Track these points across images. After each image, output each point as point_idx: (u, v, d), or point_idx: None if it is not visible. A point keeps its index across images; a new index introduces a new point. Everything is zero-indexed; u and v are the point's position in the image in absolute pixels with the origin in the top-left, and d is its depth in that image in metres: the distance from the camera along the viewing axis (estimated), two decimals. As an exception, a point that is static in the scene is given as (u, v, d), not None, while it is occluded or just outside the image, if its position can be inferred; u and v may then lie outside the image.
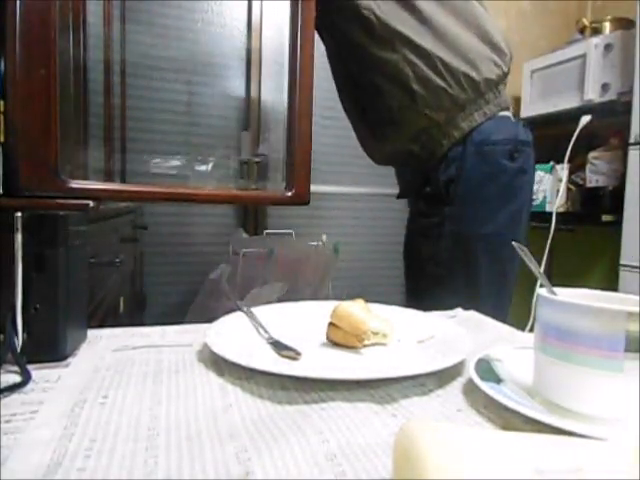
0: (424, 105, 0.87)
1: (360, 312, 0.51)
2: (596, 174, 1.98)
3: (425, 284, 0.96)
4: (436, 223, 0.91)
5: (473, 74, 0.87)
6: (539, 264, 0.40)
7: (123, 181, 1.96)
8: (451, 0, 0.88)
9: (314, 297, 1.99)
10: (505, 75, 0.92)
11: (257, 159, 1.92)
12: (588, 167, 2.01)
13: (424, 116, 0.87)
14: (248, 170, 1.91)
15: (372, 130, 0.99)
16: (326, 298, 2.14)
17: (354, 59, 0.94)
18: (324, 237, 2.25)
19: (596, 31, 2.09)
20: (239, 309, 0.59)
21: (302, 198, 0.65)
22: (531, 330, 0.40)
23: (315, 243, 2.17)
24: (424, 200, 0.95)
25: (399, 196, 1.11)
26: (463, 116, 0.87)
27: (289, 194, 0.65)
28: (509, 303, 0.97)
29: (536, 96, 2.16)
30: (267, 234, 2.29)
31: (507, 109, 0.94)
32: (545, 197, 2.07)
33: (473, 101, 0.87)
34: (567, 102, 2.02)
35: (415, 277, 1.02)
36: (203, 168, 1.40)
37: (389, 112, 0.90)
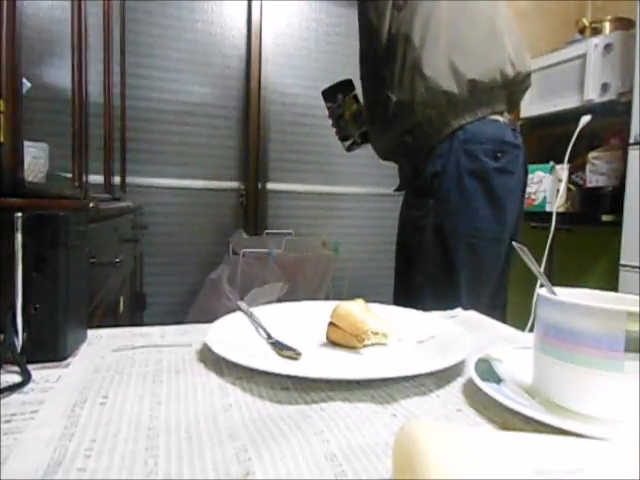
0: (422, 102, 0.91)
1: (360, 312, 0.51)
2: (596, 174, 1.98)
3: (410, 276, 0.99)
4: (420, 215, 0.95)
5: (476, 78, 0.90)
6: (539, 264, 0.40)
7: (123, 180, 1.96)
8: (472, 7, 0.93)
9: (314, 297, 1.99)
10: (505, 84, 0.95)
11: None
12: (588, 167, 2.01)
13: (420, 112, 0.92)
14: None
15: (377, 121, 1.04)
16: (326, 298, 2.14)
17: (371, 52, 1.01)
18: (324, 237, 2.26)
19: (596, 31, 2.09)
20: (239, 309, 0.59)
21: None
22: (531, 330, 0.40)
23: (315, 243, 2.17)
24: (412, 193, 0.99)
25: (396, 189, 1.16)
26: (454, 114, 0.91)
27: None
28: (486, 303, 0.99)
29: (536, 96, 2.15)
30: (267, 234, 2.29)
31: (499, 113, 0.96)
32: (545, 197, 2.07)
33: (467, 102, 0.91)
34: (567, 102, 2.02)
35: (402, 269, 1.05)
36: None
37: (388, 104, 0.95)
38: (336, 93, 1.18)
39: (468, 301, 0.92)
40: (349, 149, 1.22)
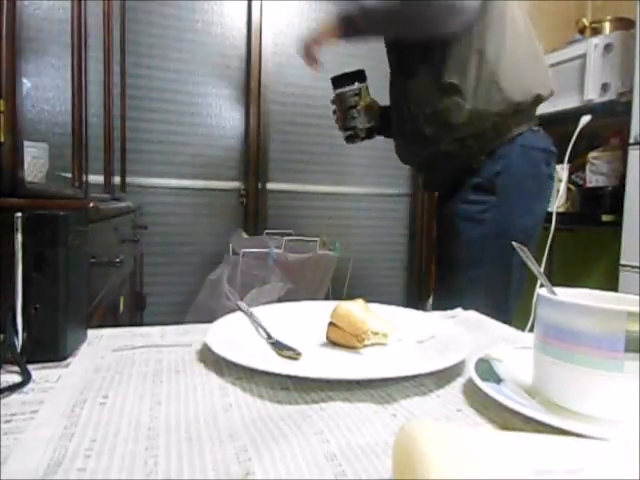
0: (497, 112, 0.99)
1: (360, 312, 0.51)
2: (596, 174, 1.98)
3: (460, 267, 1.05)
4: (481, 210, 1.02)
5: (540, 93, 1.01)
6: (539, 264, 0.40)
7: (123, 180, 1.96)
8: (521, 25, 1.03)
9: (314, 297, 1.99)
10: (547, 99, 1.06)
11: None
12: (588, 167, 2.01)
13: (491, 120, 1.00)
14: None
15: (425, 125, 1.06)
16: (326, 298, 2.14)
17: (437, 61, 1.02)
18: (324, 237, 2.25)
19: (596, 31, 2.09)
20: (239, 309, 0.59)
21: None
22: (531, 330, 0.40)
23: (315, 243, 2.17)
24: (469, 189, 1.04)
25: (428, 188, 1.23)
26: (515, 122, 1.01)
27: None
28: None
29: (536, 96, 2.15)
30: (267, 234, 2.29)
31: (538, 125, 1.09)
32: (545, 197, 2.07)
33: (527, 112, 1.03)
34: (567, 102, 2.02)
35: (449, 261, 1.09)
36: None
37: (460, 111, 1.00)
38: (348, 82, 1.14)
39: (515, 299, 1.03)
40: (349, 140, 1.19)
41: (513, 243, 0.42)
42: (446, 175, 1.10)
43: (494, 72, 0.98)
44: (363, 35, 1.04)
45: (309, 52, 1.08)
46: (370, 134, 1.18)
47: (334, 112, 1.20)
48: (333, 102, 1.19)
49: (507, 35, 0.99)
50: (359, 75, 1.15)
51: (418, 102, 1.05)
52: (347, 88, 1.14)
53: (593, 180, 1.99)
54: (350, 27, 1.02)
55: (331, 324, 0.51)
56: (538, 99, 1.02)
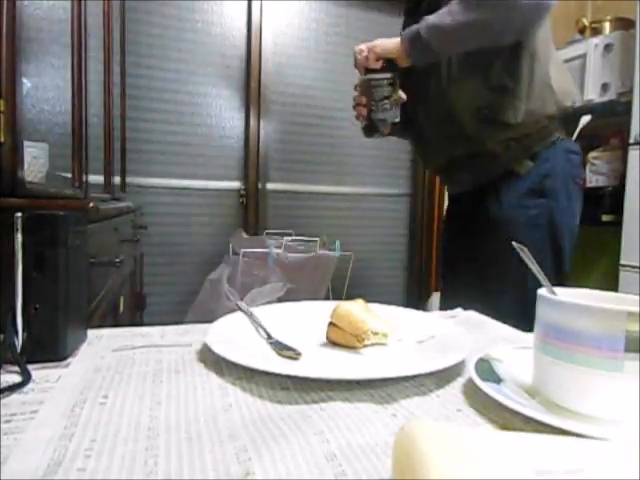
0: (549, 114, 1.00)
1: (360, 312, 0.51)
2: (596, 174, 1.98)
3: (517, 270, 0.99)
4: (536, 214, 1.03)
5: (575, 98, 1.04)
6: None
7: (123, 180, 1.96)
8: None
9: (314, 297, 1.99)
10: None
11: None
12: (588, 167, 2.01)
13: (541, 122, 1.01)
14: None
15: (479, 127, 1.03)
16: (326, 298, 2.14)
17: (486, 61, 0.99)
18: (324, 237, 2.26)
19: (596, 31, 2.09)
20: (239, 309, 0.59)
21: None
22: (531, 330, 0.40)
23: (315, 243, 2.17)
24: (521, 193, 1.04)
25: (456, 189, 1.20)
26: (554, 126, 1.03)
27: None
28: None
29: (536, 96, 2.15)
30: (267, 234, 2.29)
31: None
32: (545, 197, 2.07)
33: (562, 119, 1.05)
34: (567, 102, 2.03)
35: (494, 264, 1.06)
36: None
37: (515, 113, 1.00)
38: (382, 68, 0.99)
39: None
40: (369, 132, 1.05)
41: (513, 243, 0.42)
42: (484, 176, 1.07)
43: (546, 74, 0.97)
44: (433, 55, 0.95)
45: (365, 63, 0.99)
46: (392, 131, 1.06)
47: (360, 95, 1.04)
48: (358, 87, 1.04)
49: (550, 36, 0.99)
50: (392, 62, 0.99)
51: (462, 101, 1.01)
52: (382, 75, 0.99)
53: (593, 180, 1.99)
54: (418, 48, 0.93)
55: (331, 324, 0.51)
56: (573, 104, 1.04)
